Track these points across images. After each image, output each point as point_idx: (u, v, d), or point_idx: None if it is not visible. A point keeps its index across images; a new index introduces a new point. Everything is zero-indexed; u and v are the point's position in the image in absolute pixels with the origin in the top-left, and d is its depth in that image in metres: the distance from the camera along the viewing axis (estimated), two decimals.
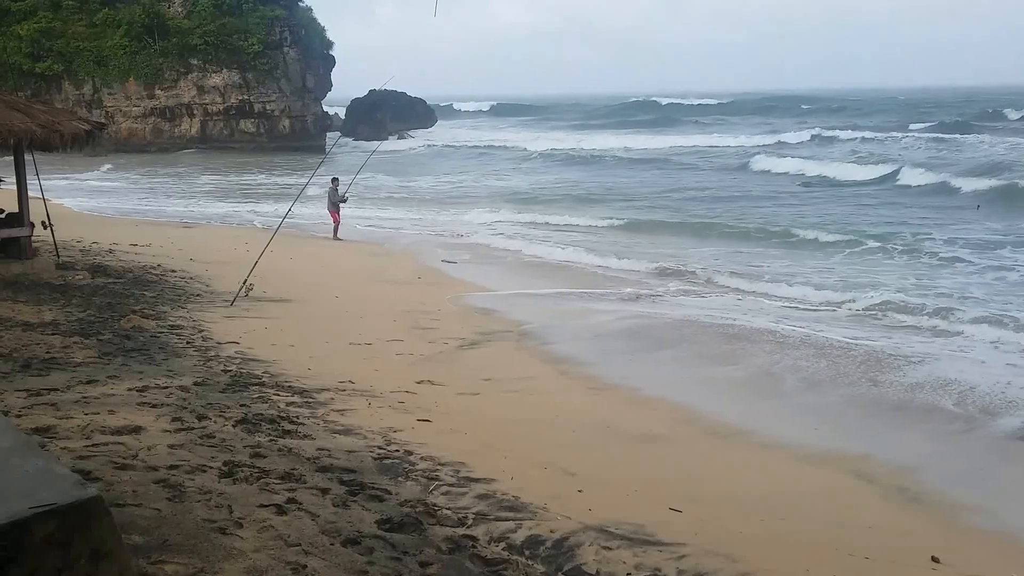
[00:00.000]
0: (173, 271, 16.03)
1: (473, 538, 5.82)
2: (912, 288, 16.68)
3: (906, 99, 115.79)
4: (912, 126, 68.99)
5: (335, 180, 25.00)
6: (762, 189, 35.98)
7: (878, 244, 21.77)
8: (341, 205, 24.25)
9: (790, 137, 62.83)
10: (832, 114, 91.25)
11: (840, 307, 15.30)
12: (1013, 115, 79.31)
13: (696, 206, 31.11)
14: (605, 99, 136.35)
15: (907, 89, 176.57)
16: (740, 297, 16.29)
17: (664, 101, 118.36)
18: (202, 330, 11.57)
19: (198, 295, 14.17)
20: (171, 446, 6.56)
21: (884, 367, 11.39)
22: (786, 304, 15.62)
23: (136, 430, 6.86)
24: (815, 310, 15.18)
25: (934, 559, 6.26)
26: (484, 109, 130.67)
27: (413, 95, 77.33)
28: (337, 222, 23.96)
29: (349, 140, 61.33)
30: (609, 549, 5.94)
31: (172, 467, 6.02)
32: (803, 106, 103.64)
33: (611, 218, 27.47)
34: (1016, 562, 6.42)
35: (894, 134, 61.00)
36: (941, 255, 20.30)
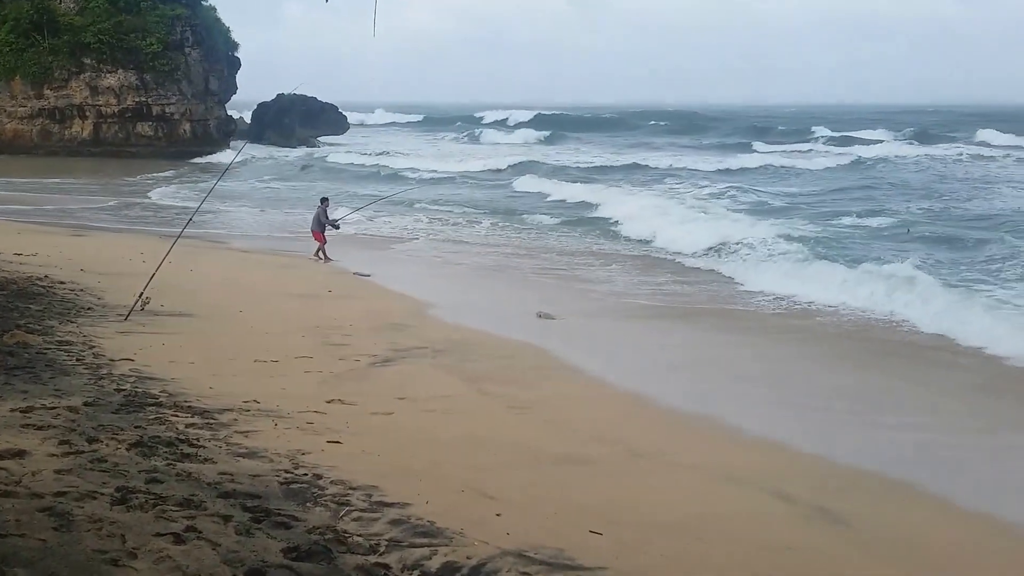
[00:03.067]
0: (62, 283, 15.26)
1: (386, 566, 5.60)
2: None
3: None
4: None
5: (324, 200, 23.91)
6: None
7: None
8: (333, 230, 23.16)
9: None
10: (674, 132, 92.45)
11: None
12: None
13: None
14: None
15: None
16: None
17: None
18: (93, 346, 10.98)
19: (89, 308, 13.49)
20: (58, 471, 6.16)
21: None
22: None
23: (20, 454, 6.43)
24: None
25: None
26: (416, 119, 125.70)
27: (324, 100, 76.23)
28: (322, 243, 22.73)
29: (256, 147, 59.95)
30: (528, 575, 5.76)
31: (59, 494, 5.65)
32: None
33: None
34: None
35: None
36: None
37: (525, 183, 41.41)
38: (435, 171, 49.57)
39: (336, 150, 63.06)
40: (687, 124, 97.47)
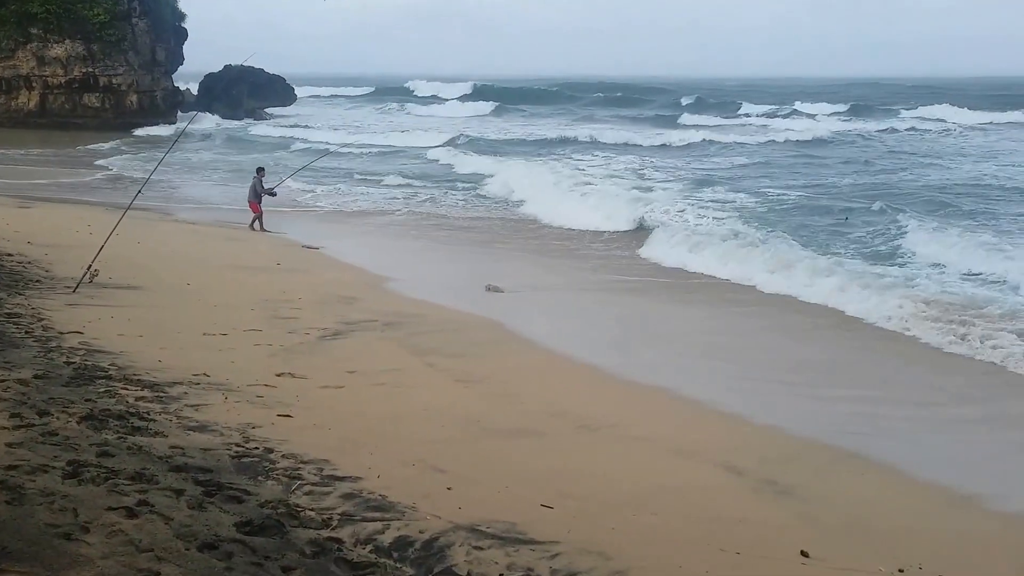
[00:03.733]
0: (9, 255, 14.97)
1: (338, 540, 5.62)
2: None
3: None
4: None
5: (260, 170, 23.73)
6: None
7: None
8: (267, 198, 23.06)
9: None
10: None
11: None
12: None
13: None
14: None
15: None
16: None
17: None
18: (42, 319, 10.81)
19: (37, 281, 13.27)
20: (9, 444, 6.09)
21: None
22: None
23: None
24: None
25: (803, 553, 6.35)
26: (365, 92, 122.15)
27: (271, 72, 75.29)
28: (258, 212, 22.64)
29: (207, 115, 58.94)
30: (480, 549, 5.82)
31: (10, 467, 5.59)
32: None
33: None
34: (882, 556, 6.57)
35: None
36: None
37: (439, 154, 41.58)
38: (350, 144, 47.69)
39: (258, 123, 62.04)
40: (622, 97, 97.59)
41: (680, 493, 7.45)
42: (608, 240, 22.19)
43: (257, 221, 22.57)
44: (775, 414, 9.89)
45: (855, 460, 8.65)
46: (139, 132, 52.88)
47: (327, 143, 45.48)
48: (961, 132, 58.27)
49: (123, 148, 44.66)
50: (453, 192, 30.33)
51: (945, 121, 67.37)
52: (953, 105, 77.81)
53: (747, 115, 78.08)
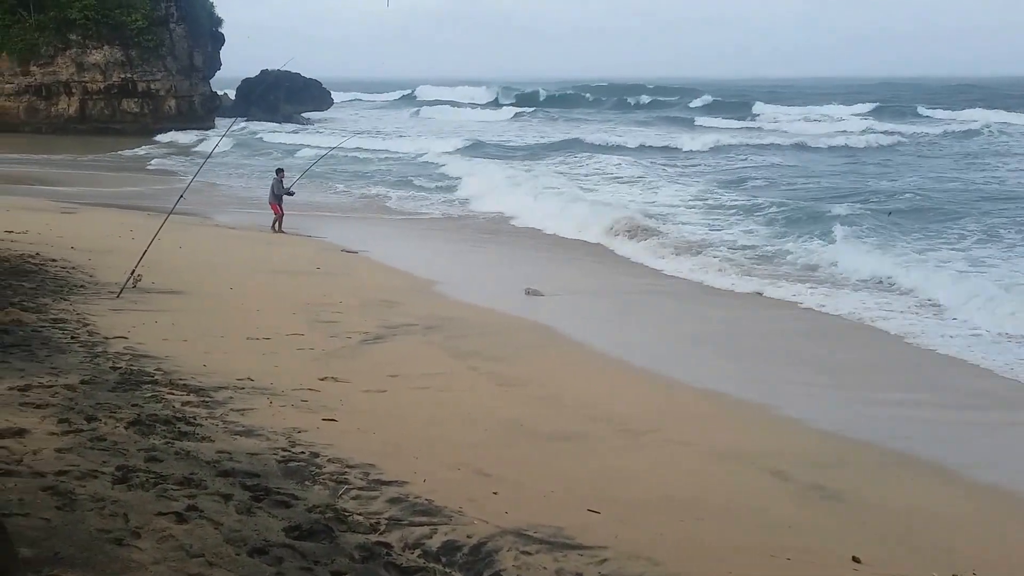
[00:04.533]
0: (53, 260, 15.14)
1: (387, 545, 5.62)
2: None
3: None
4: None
5: (280, 171, 24.05)
6: None
7: None
8: (286, 198, 23.36)
9: None
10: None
11: None
12: None
13: None
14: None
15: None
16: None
17: None
18: (87, 324, 10.91)
19: (82, 286, 13.41)
20: (59, 450, 6.13)
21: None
22: None
23: (19, 433, 6.39)
24: None
25: (855, 559, 6.27)
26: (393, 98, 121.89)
27: (307, 76, 75.81)
28: (279, 214, 22.97)
29: (241, 121, 59.24)
30: (528, 554, 5.79)
31: (61, 473, 5.62)
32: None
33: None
34: (935, 561, 6.47)
35: None
36: None
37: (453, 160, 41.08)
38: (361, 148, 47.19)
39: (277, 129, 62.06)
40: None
41: (726, 498, 7.38)
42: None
43: (278, 222, 22.87)
44: (817, 417, 9.81)
45: (905, 464, 8.53)
46: (161, 138, 53.26)
47: (337, 148, 45.45)
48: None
49: (153, 153, 45.25)
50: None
51: None
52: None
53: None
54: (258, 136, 54.65)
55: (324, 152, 32.52)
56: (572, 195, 28.45)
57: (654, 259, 19.66)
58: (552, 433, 8.63)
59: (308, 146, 46.67)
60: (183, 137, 53.08)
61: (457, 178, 33.65)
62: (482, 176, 32.81)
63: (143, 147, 48.13)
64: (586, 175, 35.82)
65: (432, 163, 40.32)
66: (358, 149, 45.62)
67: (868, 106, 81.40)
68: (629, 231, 22.02)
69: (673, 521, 6.76)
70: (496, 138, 55.14)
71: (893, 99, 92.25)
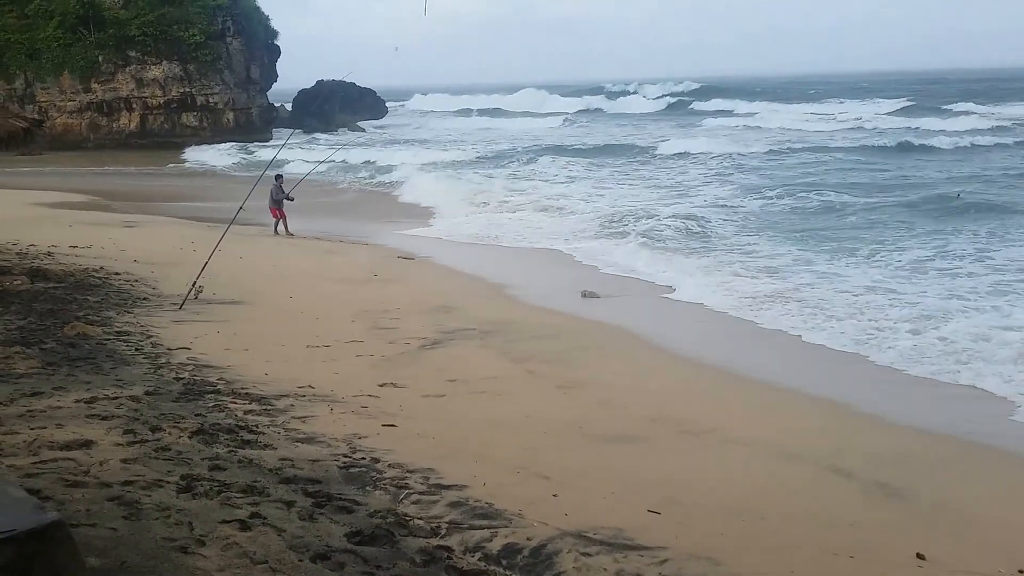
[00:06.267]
0: (117, 274, 15.52)
1: (448, 549, 5.65)
2: None
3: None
4: None
5: (279, 177, 24.73)
6: None
7: None
8: (286, 202, 23.86)
9: None
10: None
11: None
12: None
13: None
14: None
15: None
16: None
17: None
18: (151, 336, 11.16)
19: (145, 299, 13.72)
20: (124, 460, 6.27)
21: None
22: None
23: (86, 444, 6.56)
24: None
25: (919, 556, 6.17)
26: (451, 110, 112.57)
27: (362, 86, 76.55)
28: (280, 217, 23.58)
29: (299, 132, 59.65)
30: (588, 555, 5.79)
31: (127, 483, 5.74)
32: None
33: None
34: (1001, 557, 6.33)
35: None
36: None
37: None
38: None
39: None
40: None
41: (786, 496, 7.31)
42: None
43: (281, 224, 23.50)
44: (876, 413, 9.65)
45: (969, 458, 8.34)
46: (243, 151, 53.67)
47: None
48: None
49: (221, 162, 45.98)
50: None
51: None
52: None
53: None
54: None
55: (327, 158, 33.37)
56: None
57: None
58: (611, 435, 8.62)
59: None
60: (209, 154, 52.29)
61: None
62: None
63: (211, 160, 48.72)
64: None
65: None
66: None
67: None
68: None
69: (733, 520, 6.71)
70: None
71: None
